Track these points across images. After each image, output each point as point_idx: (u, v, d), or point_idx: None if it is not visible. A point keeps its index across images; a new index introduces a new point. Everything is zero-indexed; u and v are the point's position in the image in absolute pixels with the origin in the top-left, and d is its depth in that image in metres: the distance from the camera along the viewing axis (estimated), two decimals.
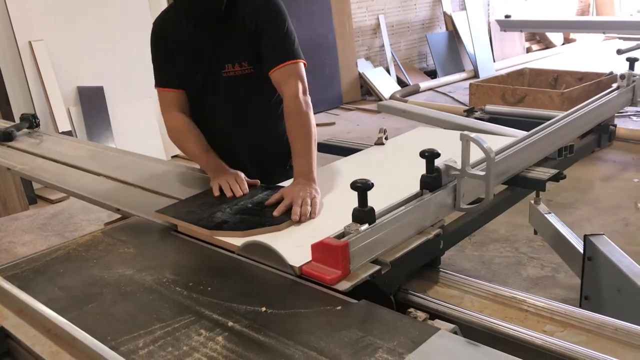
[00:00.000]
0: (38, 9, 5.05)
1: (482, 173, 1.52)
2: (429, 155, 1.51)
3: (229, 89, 1.97)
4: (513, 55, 9.63)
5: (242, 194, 1.80)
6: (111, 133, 5.40)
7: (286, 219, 1.60)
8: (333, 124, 6.79)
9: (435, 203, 1.53)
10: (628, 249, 2.31)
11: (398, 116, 3.08)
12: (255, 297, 1.29)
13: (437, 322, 1.21)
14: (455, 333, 1.15)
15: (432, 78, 8.58)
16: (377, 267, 1.33)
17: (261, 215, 1.64)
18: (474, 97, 5.49)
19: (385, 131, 2.32)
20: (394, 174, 1.92)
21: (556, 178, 1.86)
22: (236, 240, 1.52)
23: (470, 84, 5.64)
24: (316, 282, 1.31)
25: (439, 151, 1.52)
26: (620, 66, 6.99)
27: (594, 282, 2.20)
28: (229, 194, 1.81)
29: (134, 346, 1.14)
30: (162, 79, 2.01)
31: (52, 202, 4.85)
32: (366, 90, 7.95)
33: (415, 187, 1.54)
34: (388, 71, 8.24)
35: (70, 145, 2.77)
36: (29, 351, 1.16)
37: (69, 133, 5.04)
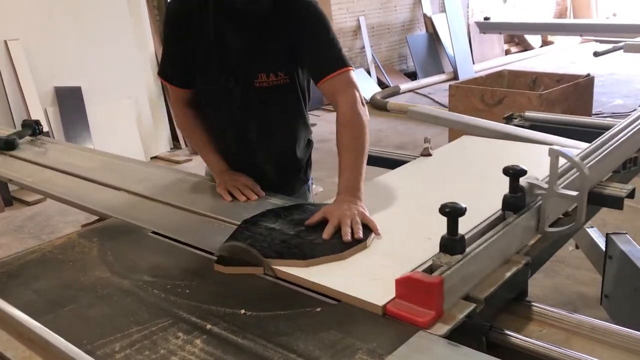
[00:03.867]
0: (14, 8, 4.98)
1: (575, 193, 1.37)
2: (513, 173, 1.34)
3: (259, 100, 1.82)
4: (492, 58, 9.72)
5: (256, 198, 1.78)
6: (89, 134, 5.34)
7: (348, 246, 1.40)
8: (314, 125, 6.78)
9: (520, 227, 1.36)
10: None
11: (429, 123, 2.93)
12: (233, 300, 1.27)
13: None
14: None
15: (412, 80, 8.63)
16: (473, 306, 1.17)
17: (315, 240, 1.45)
18: (453, 99, 5.52)
19: (429, 141, 2.11)
20: (449, 190, 1.73)
21: (632, 195, 1.69)
22: (298, 271, 1.34)
23: (450, 85, 5.67)
24: (293, 283, 1.30)
25: (525, 168, 1.34)
26: (597, 68, 7.09)
27: (614, 280, 2.20)
28: (241, 198, 1.78)
29: (110, 350, 1.12)
30: (172, 76, 1.90)
31: (28, 204, 4.78)
32: None
33: (478, 205, 1.37)
34: (369, 72, 8.27)
35: (79, 155, 2.57)
36: (1, 356, 1.13)
37: (46, 134, 4.97)
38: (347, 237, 1.42)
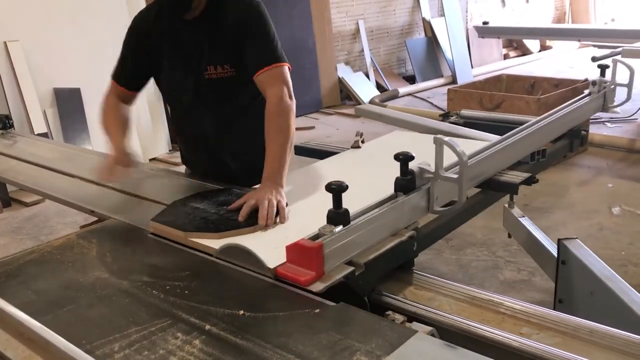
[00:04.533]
0: (14, 9, 4.98)
1: (455, 176, 1.53)
2: (403, 158, 1.53)
3: (210, 91, 1.97)
4: (491, 62, 9.73)
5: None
6: (88, 135, 5.34)
7: (235, 226, 1.59)
8: (312, 127, 6.80)
9: (409, 205, 1.54)
10: (602, 253, 2.35)
11: (375, 120, 3.10)
12: (232, 300, 1.28)
13: (415, 325, 1.21)
14: (433, 335, 1.15)
15: (411, 83, 8.64)
16: (351, 269, 1.34)
17: (233, 218, 1.63)
18: (452, 102, 5.54)
19: (361, 134, 2.34)
20: (370, 177, 1.92)
21: (528, 182, 1.88)
22: (212, 242, 1.52)
23: (449, 89, 5.69)
24: (292, 283, 1.31)
25: (414, 154, 1.53)
26: (595, 73, 7.11)
27: (568, 285, 2.22)
28: (102, 177, 1.96)
29: (110, 350, 1.12)
30: (119, 75, 2.06)
31: (26, 205, 4.78)
32: (345, 95, 7.97)
33: (391, 190, 1.56)
34: (367, 76, 8.28)
35: (45, 147, 2.73)
36: (1, 356, 1.14)
37: (45, 135, 4.97)
38: (263, 220, 1.58)
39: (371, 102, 7.55)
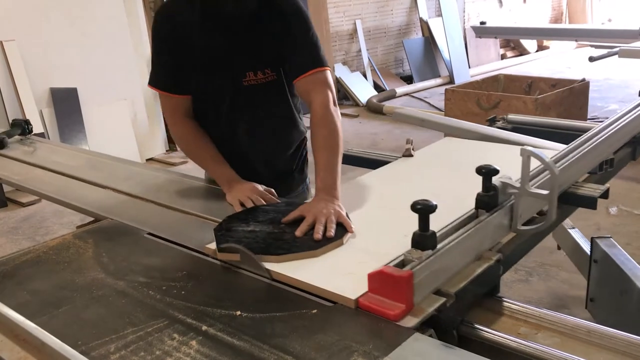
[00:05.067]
0: (10, 9, 4.97)
1: (545, 192, 1.40)
2: (486, 172, 1.37)
3: (248, 98, 1.85)
4: (488, 62, 9.75)
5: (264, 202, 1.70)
6: (84, 135, 5.33)
7: (323, 243, 1.43)
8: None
9: (493, 225, 1.39)
10: None
11: (414, 125, 2.97)
12: (229, 301, 1.27)
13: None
14: (431, 336, 1.15)
15: (409, 83, 8.64)
16: (443, 300, 1.19)
17: (291, 237, 1.48)
18: (449, 103, 5.54)
19: (412, 142, 2.14)
20: (429, 190, 1.74)
21: (606, 195, 1.73)
22: (273, 266, 1.38)
23: (446, 89, 5.69)
24: (291, 285, 1.30)
25: (497, 167, 1.37)
26: (592, 73, 7.12)
27: (600, 284, 2.21)
28: (251, 204, 1.70)
29: (105, 351, 1.11)
30: (166, 82, 1.84)
31: (23, 205, 4.76)
32: (343, 95, 7.97)
33: (459, 204, 1.41)
34: (365, 76, 8.28)
35: (67, 154, 2.61)
36: None
37: (41, 135, 4.96)
38: (319, 235, 1.44)
39: (369, 102, 7.55)
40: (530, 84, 5.72)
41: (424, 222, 1.20)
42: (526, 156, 1.36)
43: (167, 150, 6.09)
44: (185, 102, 1.87)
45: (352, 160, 2.21)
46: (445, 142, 2.38)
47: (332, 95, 1.78)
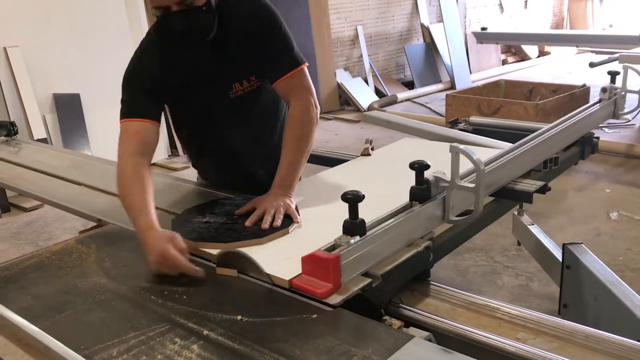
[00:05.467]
0: (13, 15, 4.99)
1: (472, 185, 1.50)
2: (419, 167, 1.49)
3: (238, 108, 1.86)
4: (489, 67, 9.76)
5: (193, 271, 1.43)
6: (87, 140, 5.35)
7: (269, 232, 1.57)
8: None
9: (425, 215, 1.51)
10: (600, 258, 2.35)
11: (382, 126, 3.09)
12: (230, 306, 1.29)
13: (412, 330, 1.22)
14: (430, 340, 1.16)
15: (410, 89, 8.65)
16: (369, 280, 1.32)
17: (241, 227, 1.61)
18: (450, 108, 5.55)
19: (371, 142, 2.29)
20: (382, 186, 1.87)
21: (542, 190, 1.85)
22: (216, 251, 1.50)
23: (447, 95, 5.70)
24: (300, 292, 1.31)
25: (428, 162, 1.50)
26: (592, 79, 7.15)
27: (573, 290, 2.22)
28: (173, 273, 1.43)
29: (108, 355, 1.13)
30: (129, 110, 1.74)
31: (26, 210, 4.78)
32: (344, 100, 7.98)
33: (404, 199, 1.52)
34: (366, 82, 8.30)
35: (50, 154, 2.72)
36: None
37: (44, 140, 4.98)
38: (266, 224, 1.57)
39: (370, 107, 7.57)
40: (531, 90, 5.73)
41: (353, 211, 1.32)
42: (454, 152, 1.48)
43: (169, 155, 6.11)
44: (146, 130, 1.72)
45: (314, 159, 2.31)
46: (402, 143, 2.54)
47: (311, 97, 1.81)
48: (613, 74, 2.54)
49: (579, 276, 2.17)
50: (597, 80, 8.09)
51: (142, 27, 5.87)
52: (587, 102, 5.43)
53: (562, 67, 9.90)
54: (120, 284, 1.43)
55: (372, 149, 2.29)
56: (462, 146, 1.48)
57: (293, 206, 1.67)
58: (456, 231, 1.70)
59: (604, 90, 2.50)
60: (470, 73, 9.08)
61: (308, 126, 1.79)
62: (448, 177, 1.52)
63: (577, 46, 9.29)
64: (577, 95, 5.23)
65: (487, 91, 5.85)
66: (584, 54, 10.05)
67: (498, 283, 3.27)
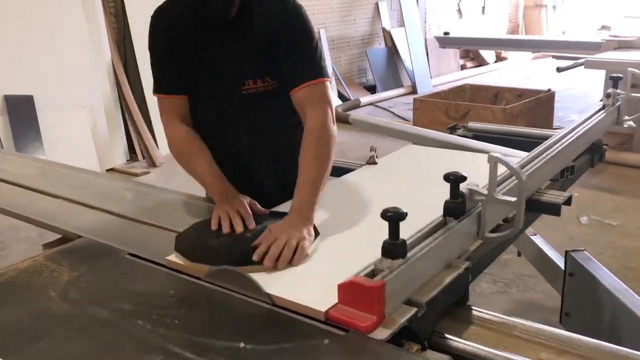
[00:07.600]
0: None
1: (513, 199, 1.37)
2: (454, 179, 1.33)
3: (247, 107, 1.75)
4: (449, 72, 9.84)
5: (242, 230, 1.51)
6: (41, 144, 5.09)
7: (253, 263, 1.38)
8: None
9: (462, 232, 1.37)
10: None
11: (370, 131, 2.96)
12: (230, 330, 1.16)
13: (430, 353, 1.12)
14: None
15: (372, 93, 8.63)
16: (414, 310, 1.16)
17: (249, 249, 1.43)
18: (417, 112, 5.53)
19: (375, 149, 2.13)
20: (393, 196, 1.73)
21: (569, 202, 1.72)
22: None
23: (414, 99, 5.68)
24: (295, 312, 1.20)
25: (464, 174, 1.34)
26: (551, 84, 7.24)
27: (575, 298, 2.17)
28: (226, 230, 1.51)
29: None
30: (165, 86, 1.75)
31: None
32: None
33: (424, 212, 1.37)
34: None
35: (14, 162, 2.48)
36: None
37: None
38: (269, 262, 1.36)
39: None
40: (496, 94, 5.76)
41: (394, 230, 1.16)
42: (493, 162, 1.34)
43: (127, 160, 5.88)
44: (178, 104, 1.74)
45: None
46: (408, 150, 2.40)
47: (330, 111, 1.66)
48: (616, 79, 2.41)
49: (582, 284, 2.11)
50: (557, 85, 8.23)
51: (99, 27, 5.64)
52: (552, 106, 5.50)
53: (520, 72, 10.06)
54: (100, 307, 1.27)
55: (377, 157, 2.13)
56: (502, 156, 1.35)
57: (307, 241, 1.44)
58: (488, 248, 1.53)
59: (607, 96, 2.35)
60: (431, 77, 9.12)
61: (326, 143, 1.62)
62: (482, 189, 1.37)
63: (533, 52, 9.46)
64: (543, 100, 5.28)
65: (452, 95, 5.86)
66: (540, 60, 10.26)
67: (477, 290, 3.22)
